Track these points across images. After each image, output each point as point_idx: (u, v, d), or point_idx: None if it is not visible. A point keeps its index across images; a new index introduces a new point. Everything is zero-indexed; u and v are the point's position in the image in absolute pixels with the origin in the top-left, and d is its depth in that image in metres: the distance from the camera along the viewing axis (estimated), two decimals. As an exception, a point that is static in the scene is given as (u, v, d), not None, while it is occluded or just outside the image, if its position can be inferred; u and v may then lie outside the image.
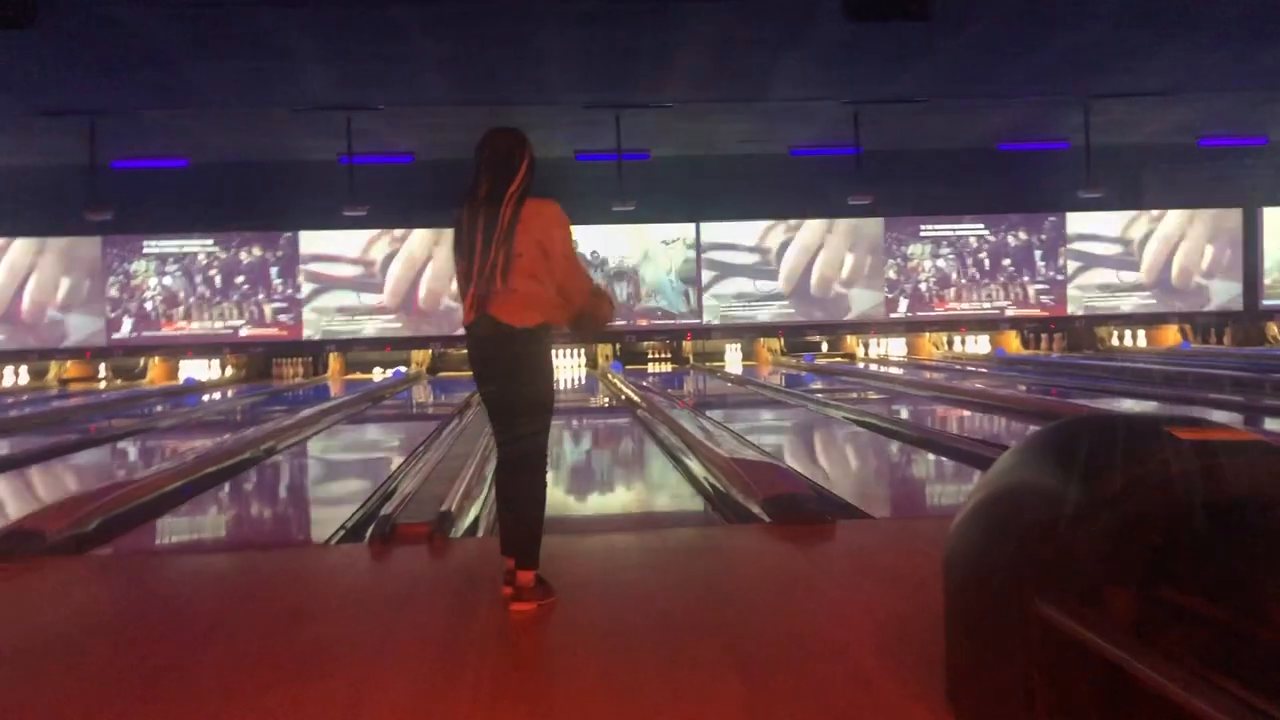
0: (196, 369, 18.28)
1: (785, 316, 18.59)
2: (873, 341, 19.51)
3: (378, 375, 17.87)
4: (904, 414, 10.22)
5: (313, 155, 16.44)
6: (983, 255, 18.81)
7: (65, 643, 3.21)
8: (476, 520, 5.18)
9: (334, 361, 18.47)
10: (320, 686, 2.69)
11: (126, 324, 17.66)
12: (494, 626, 3.19)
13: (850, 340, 19.39)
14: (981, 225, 18.81)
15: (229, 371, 18.36)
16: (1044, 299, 18.85)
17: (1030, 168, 18.06)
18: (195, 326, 17.81)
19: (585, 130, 15.44)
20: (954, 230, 18.80)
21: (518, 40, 11.54)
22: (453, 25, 10.98)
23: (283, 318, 17.91)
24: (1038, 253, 18.84)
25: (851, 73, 13.26)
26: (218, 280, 17.86)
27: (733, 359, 19.09)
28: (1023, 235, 18.83)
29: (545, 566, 3.42)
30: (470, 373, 3.63)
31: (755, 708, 2.47)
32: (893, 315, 18.74)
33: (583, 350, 18.62)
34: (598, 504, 6.38)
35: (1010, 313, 18.91)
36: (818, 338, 19.37)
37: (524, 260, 3.30)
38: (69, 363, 18.13)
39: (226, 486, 6.79)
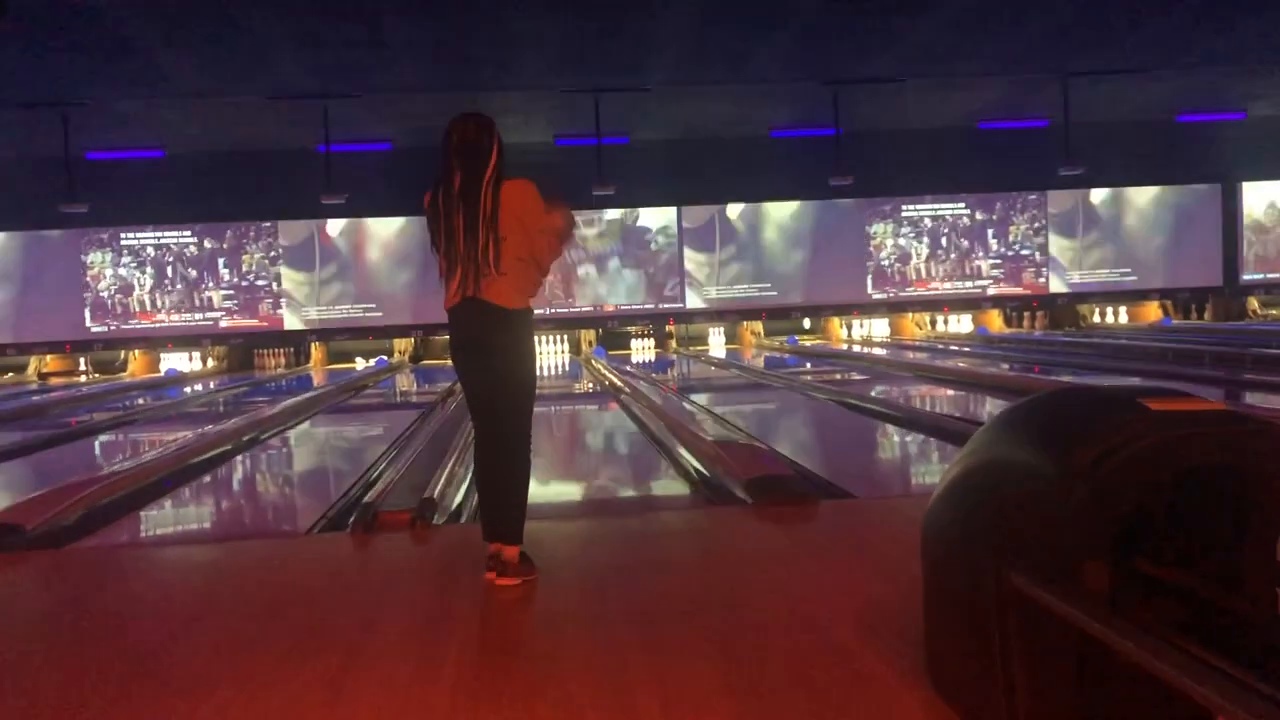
0: (178, 361, 18.18)
1: (768, 299, 18.59)
2: (855, 322, 19.55)
3: (360, 365, 17.80)
4: (886, 394, 10.25)
5: (290, 144, 16.32)
6: (963, 233, 18.85)
7: (48, 634, 3.19)
8: (459, 507, 5.17)
9: (316, 351, 18.40)
10: (302, 674, 2.68)
11: (104, 317, 17.53)
12: (476, 612, 3.19)
13: (833, 322, 19.43)
14: (962, 204, 18.85)
15: (210, 363, 18.27)
16: (1025, 276, 18.91)
17: (1011, 146, 18.08)
18: (175, 318, 17.70)
19: (564, 115, 15.38)
20: (935, 210, 18.83)
21: (495, 25, 11.47)
22: (429, 11, 10.91)
23: (262, 308, 17.81)
24: (1016, 229, 18.88)
25: (830, 53, 13.24)
26: (195, 271, 17.74)
27: (716, 343, 19.10)
28: (1002, 212, 18.87)
29: (528, 552, 3.44)
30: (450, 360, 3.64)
31: (737, 687, 2.48)
32: (875, 295, 18.77)
33: (565, 336, 18.61)
34: (580, 489, 6.38)
35: (992, 291, 18.97)
36: (800, 319, 19.39)
37: (509, 243, 3.39)
38: (49, 356, 18.00)
39: (208, 478, 6.76)
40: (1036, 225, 18.92)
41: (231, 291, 17.77)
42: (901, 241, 18.77)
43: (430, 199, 3.49)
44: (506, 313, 3.40)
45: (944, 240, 18.87)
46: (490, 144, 3.44)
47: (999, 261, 18.88)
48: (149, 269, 17.63)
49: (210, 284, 17.75)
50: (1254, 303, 19.28)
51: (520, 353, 3.47)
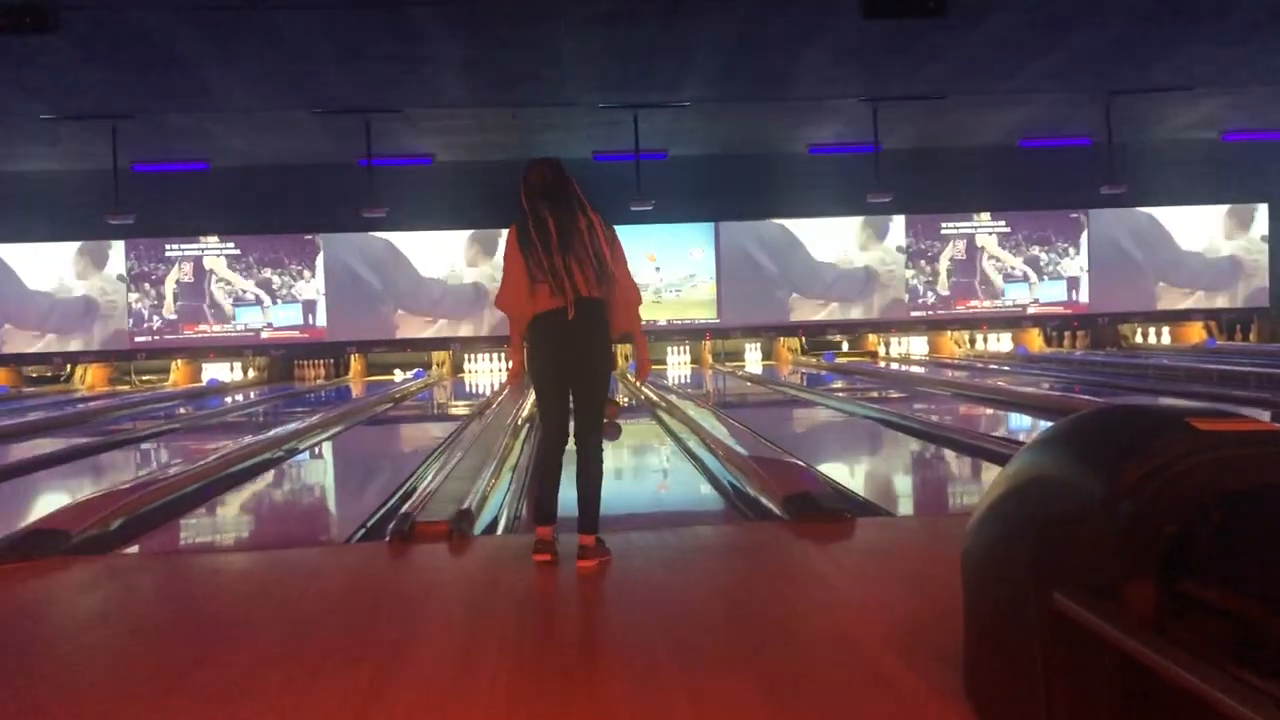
0: (219, 371, 18.42)
1: (806, 315, 18.54)
2: (894, 340, 19.43)
3: (399, 376, 17.93)
4: (925, 412, 10.16)
5: (332, 158, 16.53)
6: (1004, 251, 18.70)
7: (89, 641, 3.23)
8: (496, 518, 5.19)
9: (355, 363, 18.57)
10: (339, 685, 2.70)
11: (149, 327, 17.80)
12: (512, 623, 3.20)
13: (871, 339, 19.33)
14: (1003, 222, 18.71)
15: (251, 374, 18.49)
16: (1068, 295, 18.72)
17: (1053, 165, 17.94)
18: (217, 329, 17.94)
19: (603, 131, 15.46)
20: (975, 227, 18.70)
21: (536, 42, 11.57)
22: (471, 27, 11.02)
23: (304, 319, 18.01)
24: (1060, 249, 18.71)
25: (870, 70, 13.22)
26: (239, 282, 17.98)
27: (752, 359, 19.06)
28: (1043, 231, 18.71)
29: (564, 564, 3.48)
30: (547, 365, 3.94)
31: (773, 706, 2.46)
32: (914, 313, 18.65)
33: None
34: (617, 502, 6.37)
35: (1032, 310, 18.79)
36: (838, 336, 19.31)
37: (604, 263, 3.88)
38: (94, 365, 18.30)
39: (248, 486, 6.83)
40: (1078, 244, 18.72)
41: (273, 302, 17.97)
42: (940, 259, 18.64)
43: (519, 231, 3.89)
44: (603, 320, 3.90)
45: (984, 258, 18.73)
46: (569, 183, 3.94)
47: (1039, 280, 18.70)
48: (193, 280, 17.88)
49: (252, 295, 17.97)
50: (1302, 323, 18.96)
51: (609, 353, 3.96)
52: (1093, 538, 1.81)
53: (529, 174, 3.94)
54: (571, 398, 3.95)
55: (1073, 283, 18.76)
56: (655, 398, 11.73)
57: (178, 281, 17.87)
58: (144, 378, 18.31)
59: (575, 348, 3.86)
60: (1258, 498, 1.81)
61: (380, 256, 18.10)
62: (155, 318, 17.83)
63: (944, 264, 18.66)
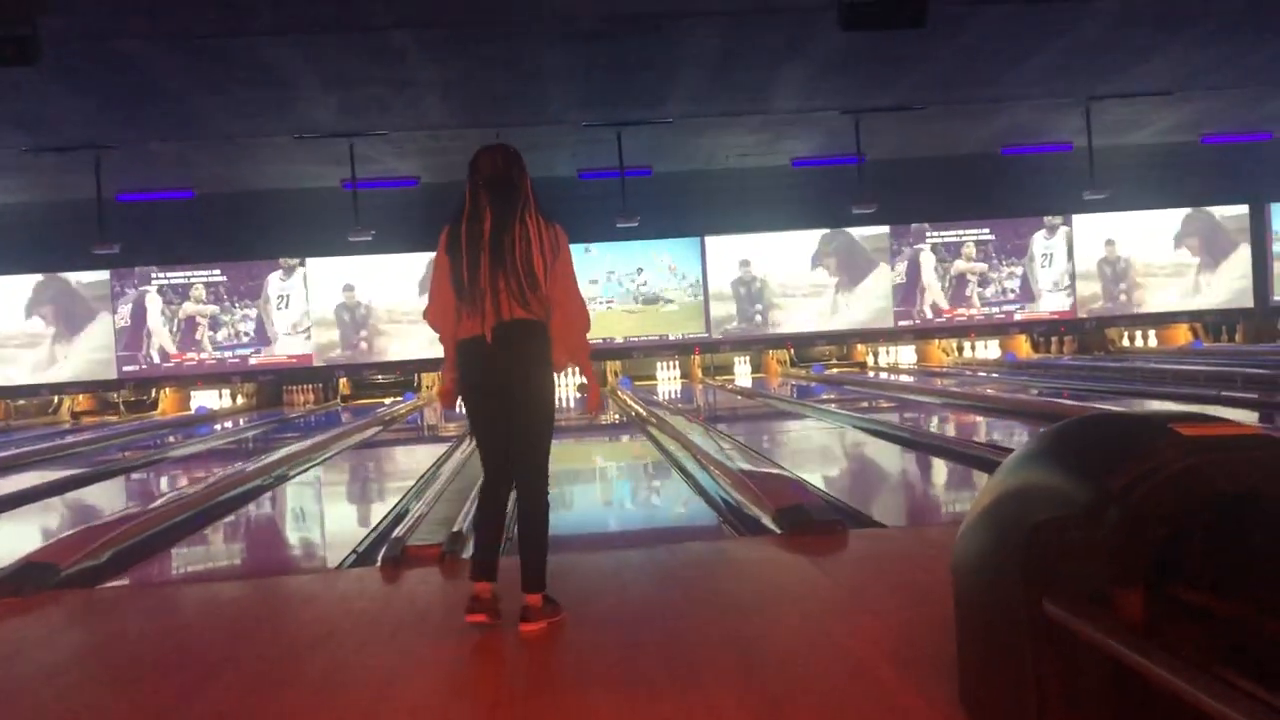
0: (208, 398, 18.35)
1: (793, 327, 18.57)
2: (882, 350, 19.47)
3: (388, 401, 17.89)
4: (914, 421, 10.19)
5: (317, 182, 16.52)
6: (988, 258, 18.78)
7: (80, 674, 3.21)
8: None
9: (343, 387, 18.54)
10: (336, 709, 2.68)
11: (136, 356, 17.73)
12: (506, 644, 3.19)
13: (860, 349, 19.37)
14: (986, 229, 18.79)
15: (239, 400, 18.42)
16: (1054, 301, 18.81)
17: (1034, 171, 18.03)
18: (204, 356, 17.88)
19: (587, 149, 15.49)
20: (959, 235, 18.78)
21: (517, 62, 11.60)
22: (453, 49, 11.04)
23: (291, 345, 17.97)
24: (1045, 255, 18.80)
25: (851, 82, 13.28)
26: (224, 310, 17.93)
27: (742, 372, 19.07)
28: (1028, 237, 18.80)
29: (556, 583, 3.42)
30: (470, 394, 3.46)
31: (767, 718, 2.46)
32: (901, 323, 18.70)
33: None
34: (609, 519, 6.37)
35: (1019, 316, 18.86)
36: (827, 348, 19.34)
37: (538, 279, 3.31)
38: (80, 396, 18.22)
39: (238, 514, 6.80)
40: (1062, 250, 18.81)
41: (260, 328, 17.94)
42: (926, 268, 18.71)
43: (450, 232, 3.40)
44: (533, 345, 3.34)
45: (968, 266, 18.80)
46: (520, 177, 3.41)
47: (1024, 286, 18.78)
48: (179, 308, 17.83)
49: (239, 321, 17.93)
50: (1286, 324, 19.06)
51: (544, 383, 3.39)
52: (1081, 545, 1.82)
53: (477, 160, 3.43)
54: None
55: (1058, 288, 18.83)
56: (645, 413, 11.73)
57: (163, 310, 17.80)
58: (134, 399, 18.22)
59: (496, 378, 3.33)
60: (1243, 501, 1.82)
61: (367, 279, 18.07)
62: (142, 347, 17.74)
63: (929, 272, 18.70)
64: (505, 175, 3.38)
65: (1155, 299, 18.89)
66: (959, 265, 18.71)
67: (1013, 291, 18.78)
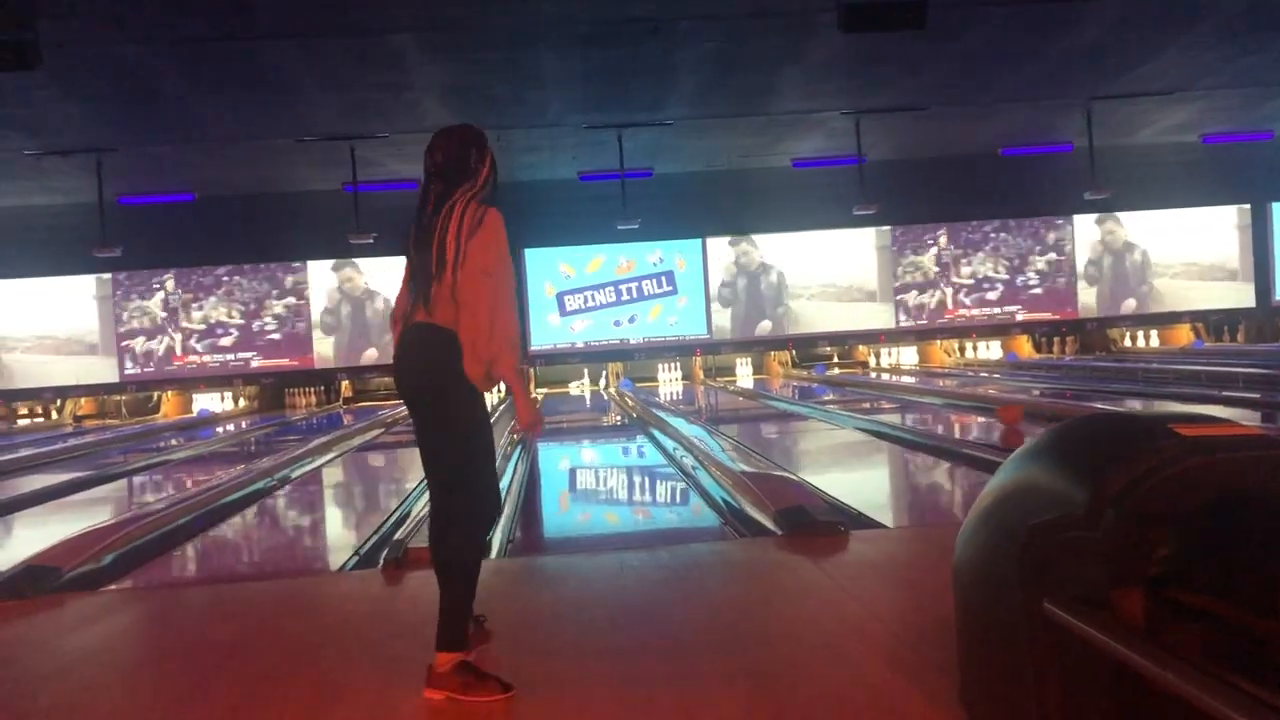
0: (210, 401, 18.36)
1: (795, 328, 18.56)
2: (884, 351, 19.47)
3: (390, 403, 17.88)
4: (916, 423, 10.18)
5: (318, 185, 16.54)
6: (989, 259, 18.77)
7: (83, 677, 3.21)
8: (490, 542, 5.17)
9: (346, 389, 18.55)
10: (337, 711, 2.69)
11: (138, 359, 17.74)
12: (507, 646, 3.19)
13: (861, 350, 19.37)
14: (987, 230, 18.77)
15: (241, 403, 18.43)
16: (1056, 301, 18.80)
17: (1035, 172, 18.03)
18: (206, 359, 17.89)
19: (588, 151, 15.50)
20: (960, 236, 18.76)
21: (517, 65, 11.61)
22: (452, 52, 11.06)
23: (293, 347, 17.98)
24: (1047, 255, 18.79)
25: (851, 84, 13.29)
26: (227, 312, 17.94)
27: (743, 373, 19.07)
28: (1030, 238, 18.79)
29: (557, 586, 3.37)
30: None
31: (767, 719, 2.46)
32: (903, 323, 18.69)
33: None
34: (610, 521, 6.37)
35: (1020, 317, 18.86)
36: (828, 349, 19.34)
37: (448, 260, 2.78)
38: (83, 399, 18.23)
39: (240, 517, 6.80)
40: (1063, 250, 18.80)
41: (262, 331, 17.95)
42: (929, 269, 18.71)
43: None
44: (429, 354, 2.78)
45: (971, 267, 18.80)
46: (480, 163, 2.93)
47: (1026, 287, 18.77)
48: (180, 311, 17.84)
49: (241, 324, 17.94)
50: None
51: (444, 401, 2.80)
52: (1080, 546, 1.82)
53: (428, 147, 2.95)
54: None
55: (1060, 288, 18.82)
56: (646, 414, 11.73)
57: (165, 313, 17.82)
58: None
59: (403, 390, 2.90)
60: (1243, 501, 1.83)
61: (368, 281, 18.08)
62: (144, 350, 17.74)
63: (931, 273, 18.70)
64: (454, 157, 2.89)
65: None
66: (960, 265, 18.69)
67: (1013, 291, 18.77)
